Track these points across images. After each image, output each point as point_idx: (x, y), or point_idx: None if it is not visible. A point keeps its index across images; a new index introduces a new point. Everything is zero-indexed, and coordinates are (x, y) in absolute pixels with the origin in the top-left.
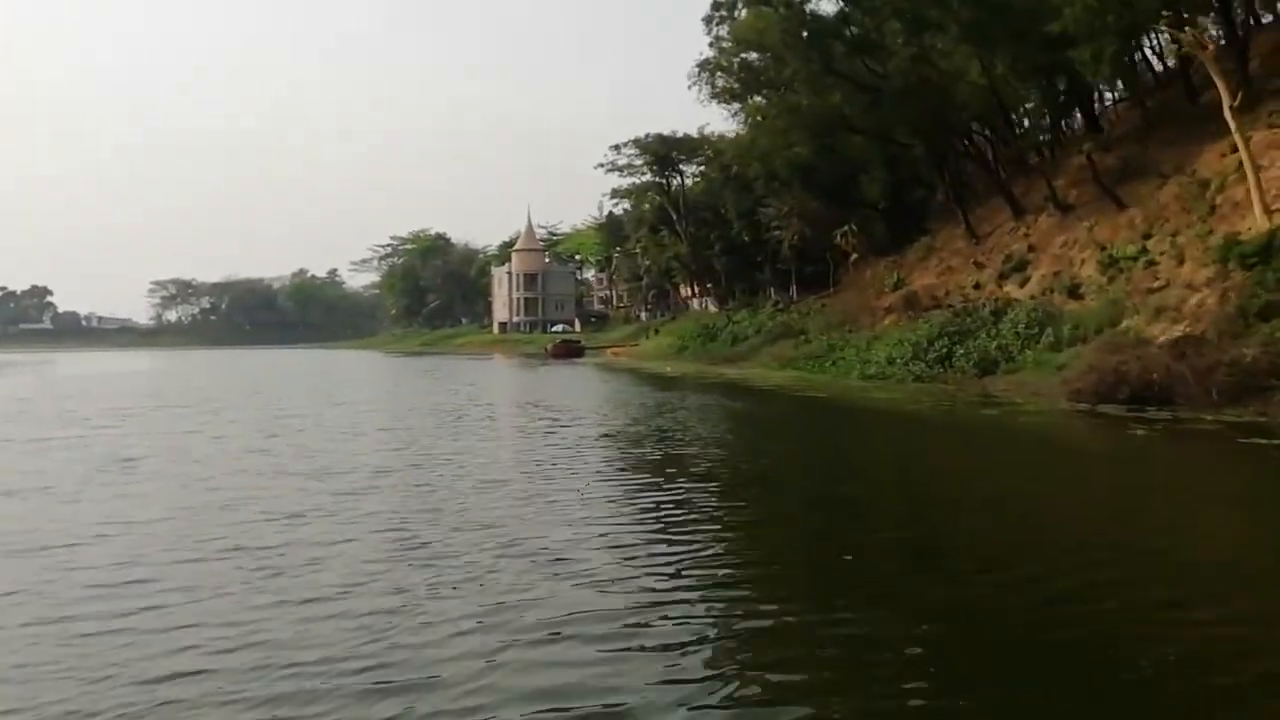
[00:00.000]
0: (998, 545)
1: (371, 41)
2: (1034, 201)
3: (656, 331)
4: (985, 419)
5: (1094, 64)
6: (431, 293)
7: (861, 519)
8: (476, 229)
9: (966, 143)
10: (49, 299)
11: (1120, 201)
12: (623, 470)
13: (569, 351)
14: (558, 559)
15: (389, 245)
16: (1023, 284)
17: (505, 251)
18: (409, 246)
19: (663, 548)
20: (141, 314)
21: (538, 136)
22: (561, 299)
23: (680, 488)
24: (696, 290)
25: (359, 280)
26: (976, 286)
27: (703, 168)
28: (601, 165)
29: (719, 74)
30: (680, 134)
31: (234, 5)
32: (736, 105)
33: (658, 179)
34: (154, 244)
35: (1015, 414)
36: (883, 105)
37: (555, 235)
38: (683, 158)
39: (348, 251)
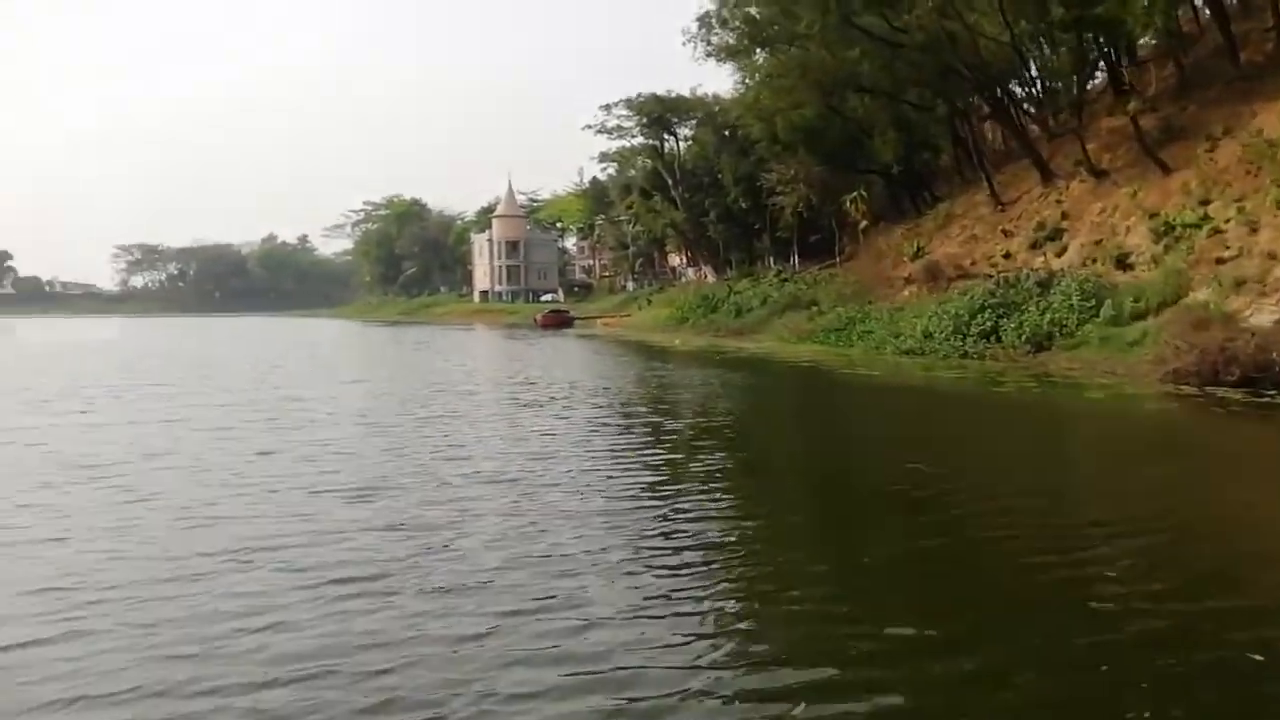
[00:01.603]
0: None
1: (342, 5)
2: (1063, 166)
3: (649, 302)
4: (1094, 406)
5: (1146, 15)
6: (407, 260)
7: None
8: (452, 195)
9: (991, 103)
10: (9, 263)
11: (1165, 165)
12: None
13: (559, 322)
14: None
15: (362, 211)
16: (1059, 253)
17: (484, 218)
18: (383, 212)
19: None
20: (106, 279)
21: (516, 101)
22: (544, 267)
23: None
24: (688, 259)
25: (331, 247)
26: (1006, 256)
27: (694, 131)
28: (590, 127)
29: (718, 29)
30: (674, 94)
31: None
32: (733, 64)
33: (651, 142)
34: (119, 207)
35: (1129, 400)
36: (901, 62)
37: (536, 202)
38: (677, 119)
39: (319, 217)
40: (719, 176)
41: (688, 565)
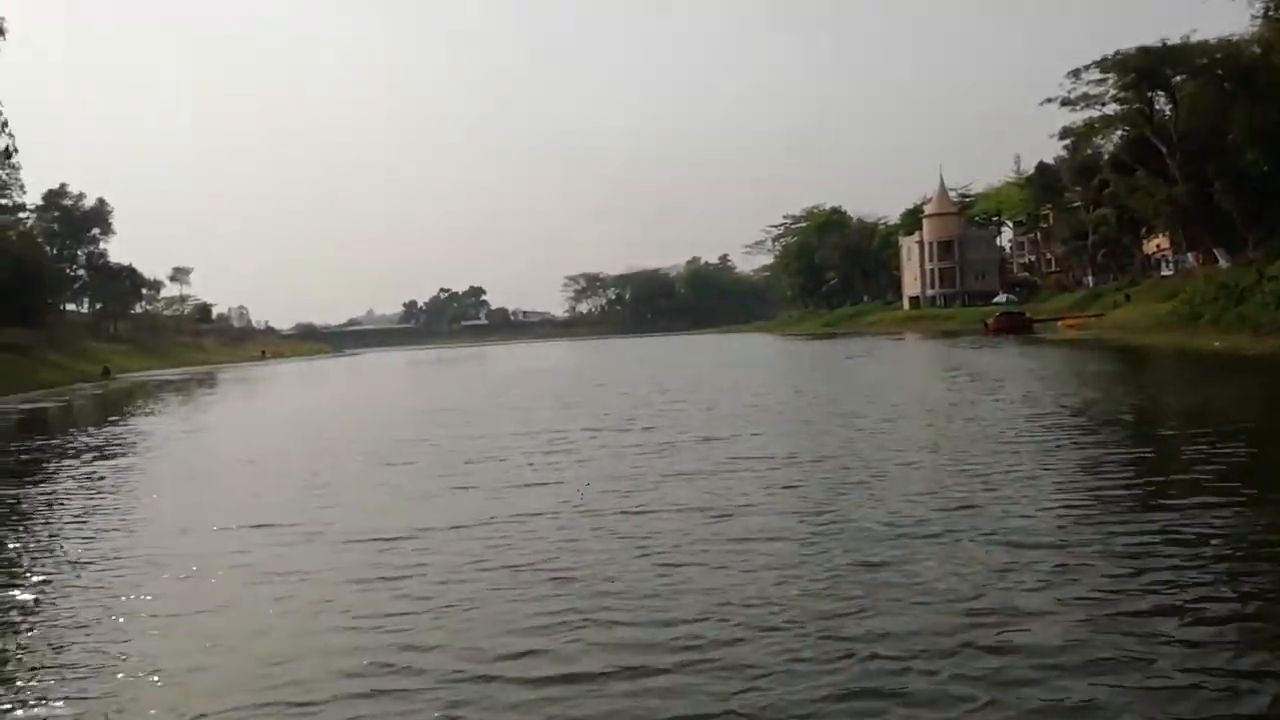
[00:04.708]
0: None
1: (755, 28)
2: None
3: (1127, 298)
4: None
5: None
6: (828, 270)
7: None
8: (874, 200)
9: None
10: (483, 297)
11: None
12: None
13: (1013, 326)
14: None
15: (781, 225)
16: None
17: (909, 220)
18: (802, 224)
19: None
20: (557, 307)
21: (930, 98)
22: (982, 267)
23: None
24: (1183, 243)
25: (751, 263)
26: None
27: (1186, 86)
28: (1051, 100)
29: None
30: (1166, 43)
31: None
32: None
33: (1136, 105)
34: (567, 241)
35: None
36: None
37: (967, 197)
38: (1173, 71)
39: (738, 235)
40: (1228, 136)
41: None
